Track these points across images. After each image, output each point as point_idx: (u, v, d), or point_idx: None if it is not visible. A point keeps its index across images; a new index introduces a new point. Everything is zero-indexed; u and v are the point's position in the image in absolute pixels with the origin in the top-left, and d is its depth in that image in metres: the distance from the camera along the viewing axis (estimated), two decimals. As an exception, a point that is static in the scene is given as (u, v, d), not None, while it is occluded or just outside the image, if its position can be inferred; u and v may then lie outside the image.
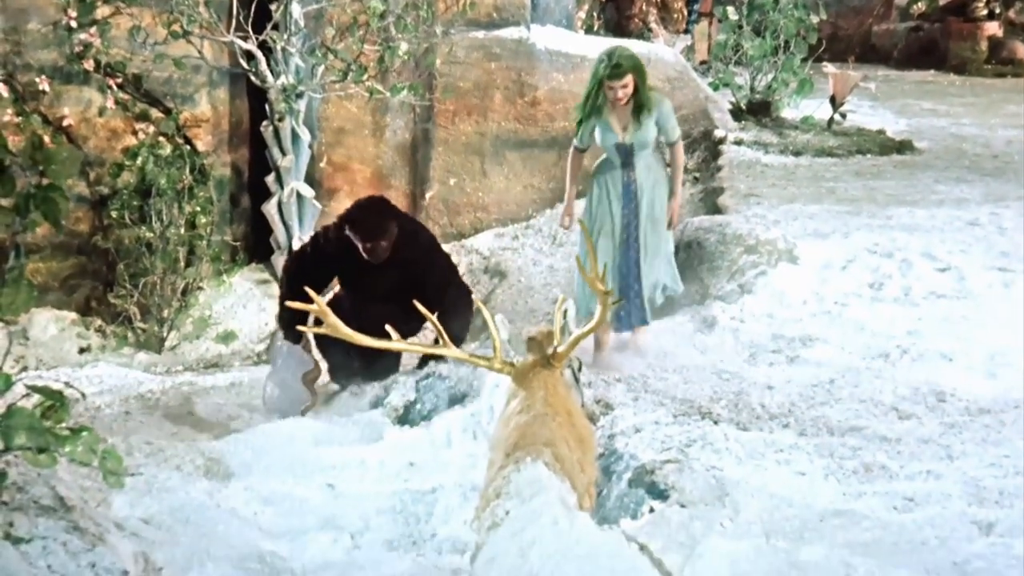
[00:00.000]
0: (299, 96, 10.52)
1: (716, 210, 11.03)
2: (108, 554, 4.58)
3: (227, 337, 12.42)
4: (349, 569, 5.07)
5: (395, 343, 5.61)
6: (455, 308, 6.74)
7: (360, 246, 6.85)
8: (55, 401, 4.53)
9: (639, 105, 7.42)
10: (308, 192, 10.91)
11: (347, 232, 6.91)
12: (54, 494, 5.03)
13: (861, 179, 12.51)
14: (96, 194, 12.44)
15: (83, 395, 4.73)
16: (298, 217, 10.83)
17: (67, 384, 4.85)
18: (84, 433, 4.47)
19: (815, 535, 4.85)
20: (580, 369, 5.73)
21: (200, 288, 12.69)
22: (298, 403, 7.14)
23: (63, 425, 4.56)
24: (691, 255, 9.11)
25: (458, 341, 6.44)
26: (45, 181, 4.90)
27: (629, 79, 7.22)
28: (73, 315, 12.42)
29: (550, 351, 5.41)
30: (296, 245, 10.76)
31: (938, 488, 5.28)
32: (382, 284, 6.85)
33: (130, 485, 5.73)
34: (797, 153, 13.77)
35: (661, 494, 5.42)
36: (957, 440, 5.89)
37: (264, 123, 10.84)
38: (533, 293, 11.80)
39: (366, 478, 6.07)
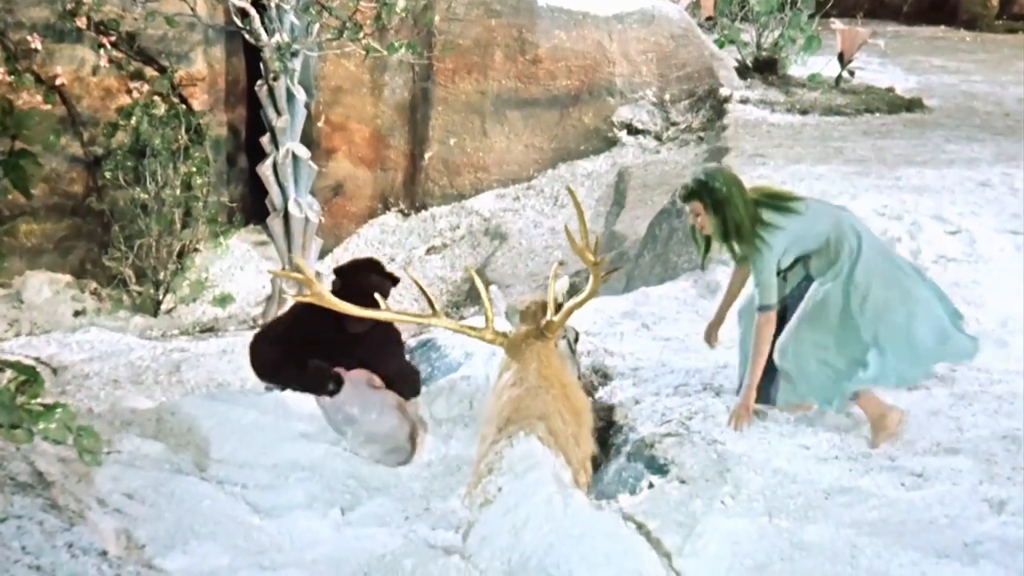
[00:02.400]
0: (294, 55, 10.27)
1: (721, 172, 10.78)
2: (86, 533, 4.42)
3: (224, 300, 12.29)
4: (339, 546, 4.91)
5: (384, 312, 5.44)
6: (410, 378, 6.31)
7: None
8: (28, 377, 4.36)
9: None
10: (304, 153, 10.68)
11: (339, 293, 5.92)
12: (32, 470, 4.88)
13: (869, 138, 12.26)
14: (90, 154, 12.33)
15: (54, 371, 4.52)
16: (294, 178, 10.61)
17: (38, 360, 4.65)
18: (59, 409, 4.30)
19: (819, 513, 4.66)
20: (576, 339, 5.56)
21: (196, 250, 12.59)
22: (396, 452, 5.98)
23: (37, 401, 4.40)
24: (695, 218, 8.87)
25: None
26: (18, 146, 4.66)
27: (696, 205, 5.43)
28: (68, 278, 12.31)
29: (543, 322, 5.24)
30: (292, 207, 10.56)
31: (948, 464, 5.08)
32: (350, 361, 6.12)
33: (113, 458, 5.61)
34: (804, 112, 13.54)
35: (660, 469, 5.24)
36: (968, 412, 5.67)
37: (259, 82, 10.60)
38: (534, 256, 11.61)
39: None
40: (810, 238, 5.32)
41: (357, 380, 5.85)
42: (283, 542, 5.01)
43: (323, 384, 5.82)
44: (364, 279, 5.90)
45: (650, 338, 6.97)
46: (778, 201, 5.38)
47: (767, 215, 5.27)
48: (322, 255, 12.58)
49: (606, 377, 6.33)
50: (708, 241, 5.44)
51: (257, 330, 6.13)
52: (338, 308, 5.33)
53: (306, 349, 5.88)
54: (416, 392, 6.15)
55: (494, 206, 12.77)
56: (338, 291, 5.84)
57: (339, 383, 5.83)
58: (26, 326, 11.59)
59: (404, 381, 6.09)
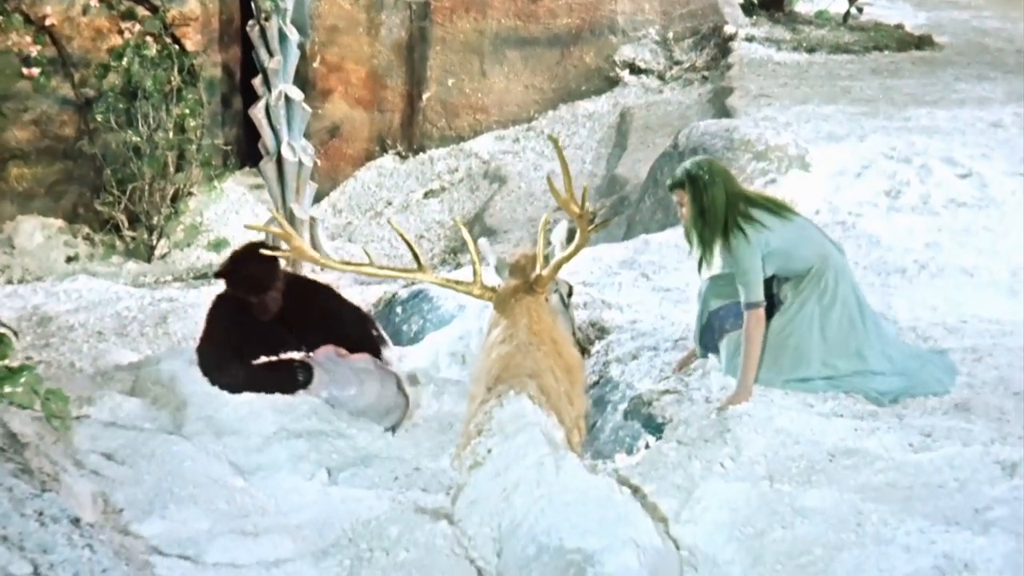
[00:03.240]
0: (286, -7, 10.02)
1: (724, 112, 10.57)
2: (57, 500, 4.22)
3: (219, 244, 12.10)
4: (324, 509, 4.72)
5: (367, 266, 5.22)
6: (367, 334, 5.93)
7: (250, 303, 5.68)
8: (-7, 338, 4.16)
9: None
10: (297, 95, 10.42)
11: (231, 292, 5.75)
12: (5, 431, 4.67)
13: (878, 77, 12.00)
14: (81, 96, 12.14)
15: (15, 334, 4.32)
16: (287, 121, 10.35)
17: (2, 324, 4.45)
18: (25, 372, 4.10)
19: (823, 477, 4.46)
20: (570, 293, 5.35)
21: (191, 194, 12.41)
22: (390, 414, 5.70)
23: (3, 364, 4.20)
24: (696, 162, 8.63)
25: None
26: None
27: (680, 193, 5.29)
28: (60, 222, 12.14)
29: (533, 276, 5.03)
30: (285, 150, 10.32)
31: (957, 423, 4.87)
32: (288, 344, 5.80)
33: (93, 416, 5.44)
34: (811, 50, 13.26)
35: (658, 428, 5.06)
36: (979, 367, 5.45)
37: (250, 22, 10.33)
38: (533, 200, 11.40)
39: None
40: (796, 257, 5.20)
41: (323, 360, 5.60)
42: (267, 505, 4.83)
43: (294, 380, 5.55)
44: (245, 270, 5.62)
45: (649, 289, 6.76)
46: (773, 205, 5.31)
47: (756, 212, 5.16)
48: (319, 199, 12.36)
49: (603, 331, 6.12)
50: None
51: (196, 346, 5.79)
52: (322, 263, 5.14)
53: (248, 347, 5.61)
54: (382, 341, 5.85)
55: (493, 148, 12.53)
56: (227, 292, 5.69)
57: (309, 372, 5.56)
58: (18, 272, 11.42)
59: (364, 340, 5.78)
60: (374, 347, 5.75)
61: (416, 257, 5.08)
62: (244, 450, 5.17)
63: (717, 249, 5.21)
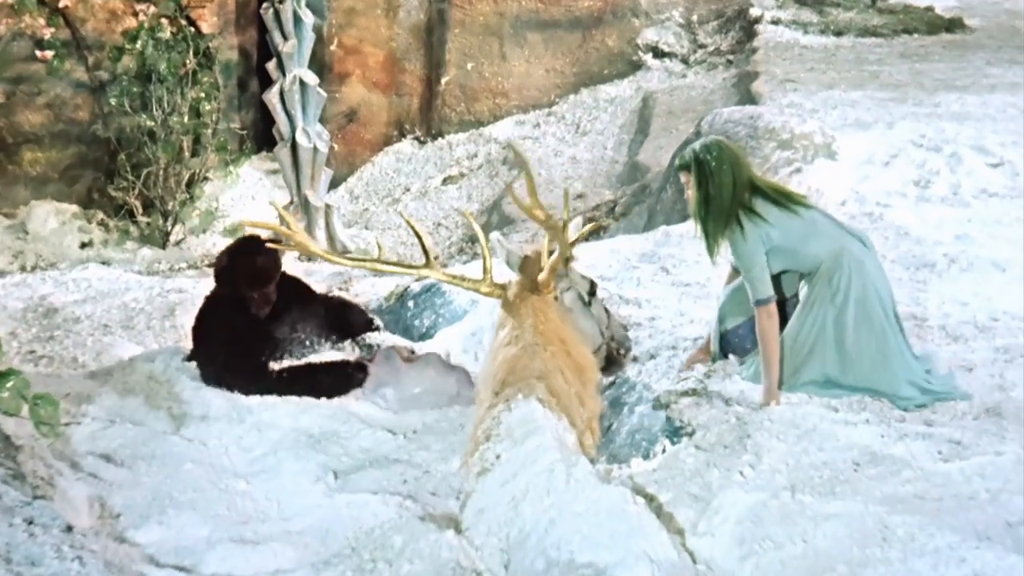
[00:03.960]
0: (301, -26, 9.85)
1: (749, 98, 10.33)
2: (49, 507, 4.08)
3: (235, 230, 11.93)
4: (328, 516, 4.54)
5: (373, 261, 5.02)
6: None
7: (250, 297, 5.47)
8: (-20, 339, 4.00)
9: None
10: (312, 79, 10.25)
11: (225, 290, 5.54)
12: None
13: (907, 61, 11.73)
14: (95, 80, 12.00)
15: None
16: (301, 106, 10.20)
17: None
18: (12, 377, 3.93)
19: (847, 488, 4.24)
20: (592, 291, 5.10)
21: (206, 179, 12.28)
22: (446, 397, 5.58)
23: (-10, 368, 4.05)
24: (720, 151, 8.39)
25: None
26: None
27: (685, 175, 5.11)
28: (74, 207, 12.01)
29: (538, 275, 4.83)
30: (299, 136, 10.15)
31: (989, 429, 4.65)
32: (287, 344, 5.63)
33: (92, 415, 5.28)
34: (838, 33, 13.02)
35: (676, 432, 4.85)
36: (1011, 368, 5.23)
37: (264, 5, 10.16)
38: (553, 187, 11.18)
39: (353, 409, 5.50)
40: (803, 254, 4.98)
41: (382, 360, 5.46)
42: (269, 509, 4.66)
43: (350, 381, 5.41)
44: (246, 263, 5.40)
45: (669, 283, 6.55)
46: (779, 196, 5.04)
47: (760, 204, 4.93)
48: (336, 184, 12.21)
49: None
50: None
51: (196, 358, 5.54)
52: (327, 258, 4.95)
53: (256, 346, 5.42)
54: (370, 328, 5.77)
55: (513, 133, 12.34)
56: (217, 292, 5.52)
57: (364, 372, 5.43)
58: (31, 258, 11.31)
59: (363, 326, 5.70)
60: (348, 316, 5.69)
61: (425, 251, 4.88)
62: (246, 451, 5.00)
63: (721, 240, 4.99)
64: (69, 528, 4.00)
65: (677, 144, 9.45)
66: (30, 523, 3.90)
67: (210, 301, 5.57)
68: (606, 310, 5.13)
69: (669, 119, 11.36)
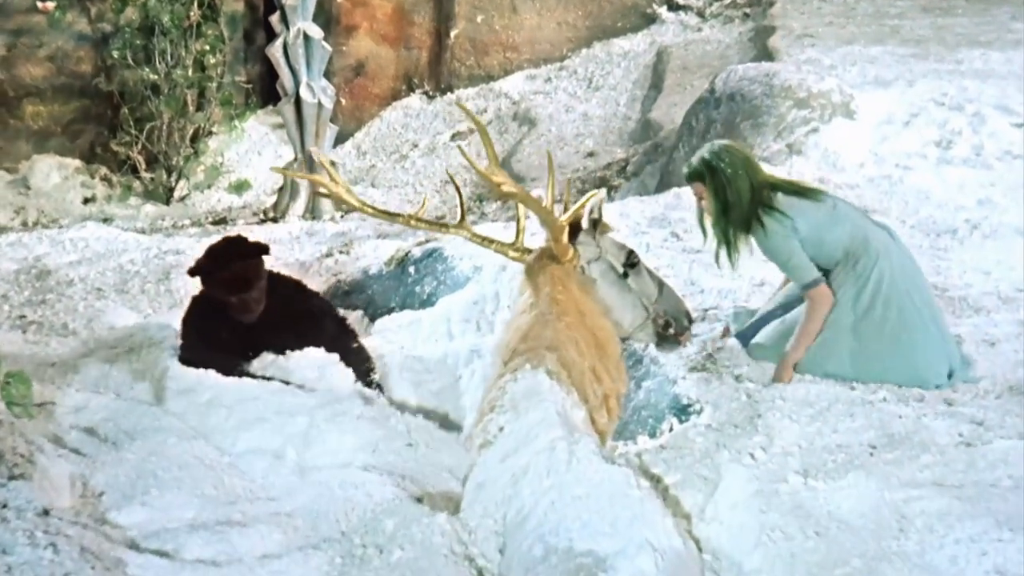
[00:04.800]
0: (304, -80, 9.56)
1: (766, 53, 10.05)
2: (25, 489, 3.89)
3: (240, 187, 11.75)
4: (320, 496, 4.34)
5: (404, 216, 4.79)
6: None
7: (231, 303, 5.19)
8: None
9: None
10: (317, 33, 9.96)
11: (208, 289, 5.25)
12: (-26, 410, 4.36)
13: (929, 15, 11.41)
14: (97, 32, 11.76)
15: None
16: (305, 60, 9.91)
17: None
18: (-18, 354, 3.74)
19: (862, 474, 4.03)
20: (632, 262, 4.75)
21: (211, 134, 12.05)
22: None
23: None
24: (733, 109, 8.14)
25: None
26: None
27: (698, 187, 4.93)
28: (77, 162, 11.81)
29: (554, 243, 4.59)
30: (304, 91, 9.90)
31: (1013, 409, 4.43)
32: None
33: (78, 384, 5.11)
34: (858, -15, 12.61)
35: (684, 410, 4.65)
36: (1037, 344, 5.03)
37: (267, -45, 9.88)
38: (564, 145, 10.93)
39: (349, 379, 5.31)
40: (828, 241, 4.76)
41: None
42: (257, 489, 4.47)
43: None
44: (225, 267, 5.12)
45: (679, 250, 6.30)
46: (798, 187, 4.95)
47: (780, 200, 4.75)
48: (343, 139, 11.96)
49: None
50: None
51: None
52: (360, 208, 4.72)
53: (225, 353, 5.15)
54: (366, 379, 5.36)
55: (524, 88, 12.06)
56: (204, 295, 5.26)
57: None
58: (33, 214, 11.12)
59: (341, 351, 5.31)
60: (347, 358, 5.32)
61: (462, 209, 4.68)
62: (235, 428, 4.79)
63: (742, 245, 4.81)
64: (46, 512, 3.82)
65: (691, 101, 9.19)
66: (3, 507, 3.74)
67: (197, 299, 5.33)
68: (660, 283, 4.78)
69: (683, 75, 11.08)
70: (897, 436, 4.30)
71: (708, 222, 4.91)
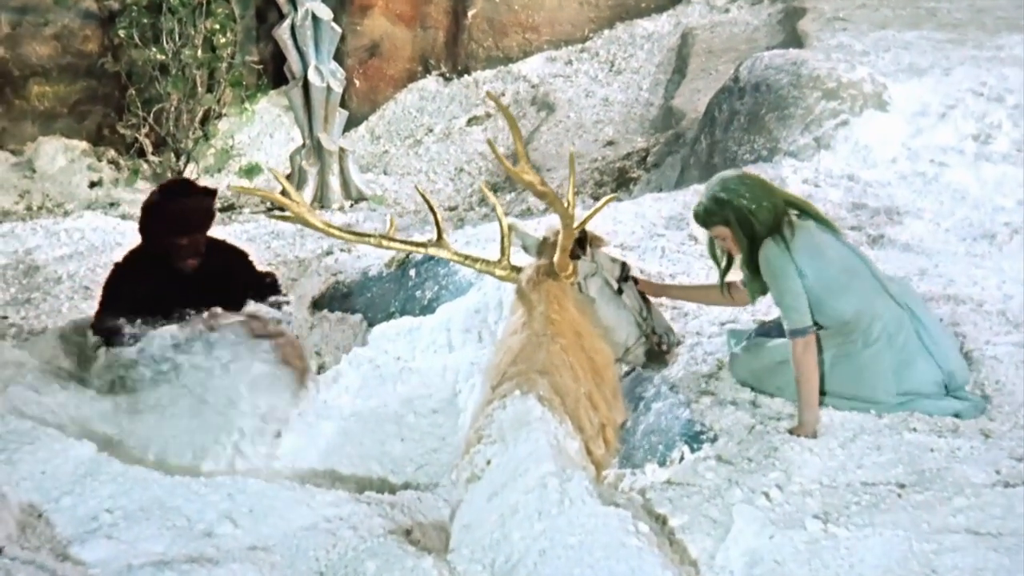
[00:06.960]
0: None
1: (795, 37, 9.66)
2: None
3: (251, 170, 11.45)
4: (302, 529, 3.97)
5: (376, 237, 4.54)
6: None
7: (175, 244, 5.05)
8: None
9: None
10: (325, 14, 9.65)
11: (152, 230, 5.13)
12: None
13: (967, -2, 10.95)
14: (104, 9, 11.45)
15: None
16: (314, 42, 9.60)
17: None
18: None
19: (889, 519, 3.66)
20: (625, 276, 4.49)
21: (221, 116, 11.73)
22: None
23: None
24: (758, 100, 7.74)
25: None
26: None
27: (720, 230, 4.51)
28: (83, 144, 11.51)
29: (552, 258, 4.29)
30: (312, 74, 9.57)
31: (1057, 443, 4.08)
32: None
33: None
34: (893, -35, 12.16)
35: (696, 437, 4.30)
36: (1083, 368, 4.64)
37: (274, -70, 9.56)
38: (583, 132, 10.58)
39: (344, 387, 5.03)
40: (828, 308, 4.34)
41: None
42: (235, 514, 4.14)
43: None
44: (176, 204, 5.02)
45: (697, 254, 5.93)
46: (817, 213, 4.58)
47: (801, 224, 4.41)
48: (357, 123, 11.62)
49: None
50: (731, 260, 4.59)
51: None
52: (326, 231, 4.48)
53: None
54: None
55: (543, 71, 11.68)
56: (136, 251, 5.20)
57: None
58: (38, 198, 10.85)
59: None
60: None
61: (437, 226, 4.41)
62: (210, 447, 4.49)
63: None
64: None
65: (715, 87, 8.81)
66: (-58, 550, 3.43)
67: (127, 257, 5.23)
68: (642, 296, 4.57)
69: (709, 59, 10.67)
70: (928, 473, 3.93)
71: (735, 259, 4.52)
